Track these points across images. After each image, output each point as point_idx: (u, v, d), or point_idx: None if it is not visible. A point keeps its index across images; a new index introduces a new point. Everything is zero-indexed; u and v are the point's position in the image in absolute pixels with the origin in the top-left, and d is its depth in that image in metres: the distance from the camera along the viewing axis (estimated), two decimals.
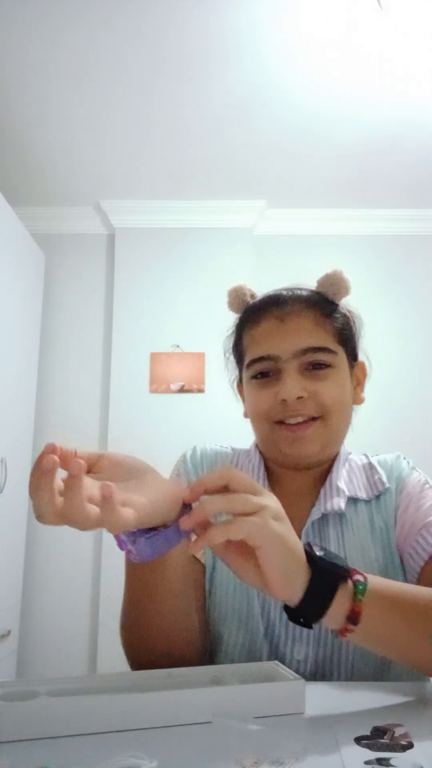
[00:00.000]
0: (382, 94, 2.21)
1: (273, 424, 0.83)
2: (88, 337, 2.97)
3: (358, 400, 0.92)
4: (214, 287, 0.90)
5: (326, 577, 0.59)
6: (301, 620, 0.60)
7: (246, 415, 0.93)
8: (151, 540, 0.57)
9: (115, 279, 2.94)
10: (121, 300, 2.90)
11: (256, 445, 0.93)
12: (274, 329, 0.85)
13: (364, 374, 0.96)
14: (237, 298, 0.93)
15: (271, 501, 0.59)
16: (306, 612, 0.59)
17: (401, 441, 2.81)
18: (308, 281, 0.95)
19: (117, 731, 0.52)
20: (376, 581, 0.62)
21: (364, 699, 0.63)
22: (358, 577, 0.60)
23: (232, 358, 0.97)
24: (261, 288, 0.95)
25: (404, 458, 0.95)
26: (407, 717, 0.56)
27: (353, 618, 0.59)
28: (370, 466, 0.92)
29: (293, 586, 0.58)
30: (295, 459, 0.83)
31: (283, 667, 0.63)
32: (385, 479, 0.89)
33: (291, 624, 0.78)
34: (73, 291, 3.01)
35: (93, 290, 3.01)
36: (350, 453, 0.94)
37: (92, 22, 1.89)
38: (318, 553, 0.61)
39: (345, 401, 0.86)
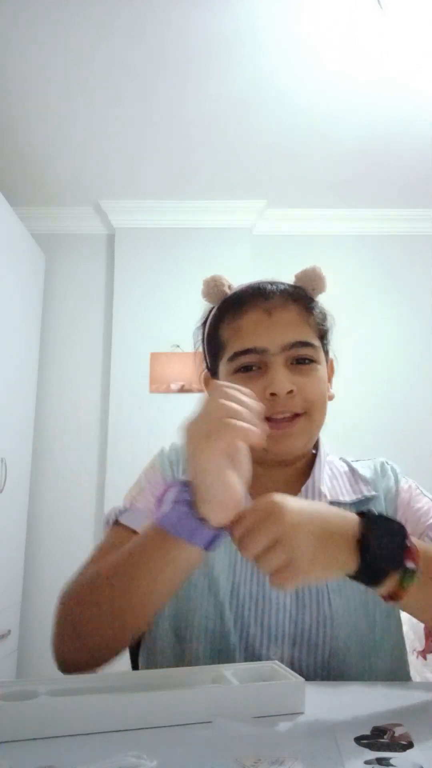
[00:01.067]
0: (381, 94, 2.21)
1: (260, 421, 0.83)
2: (88, 337, 2.97)
3: (330, 396, 0.92)
4: (271, 277, 0.90)
5: (373, 568, 0.60)
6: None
7: None
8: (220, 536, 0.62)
9: (115, 279, 2.94)
10: (121, 300, 2.90)
11: None
12: (261, 321, 0.83)
13: (333, 371, 0.97)
14: (215, 288, 0.91)
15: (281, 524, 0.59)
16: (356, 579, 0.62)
17: (400, 439, 2.81)
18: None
19: (117, 731, 0.52)
20: (427, 557, 0.63)
21: (364, 699, 0.63)
22: (410, 564, 0.60)
23: (201, 349, 0.95)
24: None
25: (389, 464, 0.96)
26: (407, 717, 0.56)
27: (393, 598, 0.61)
28: (353, 472, 0.92)
29: (338, 572, 0.61)
30: (279, 456, 0.83)
31: (283, 666, 0.63)
32: (370, 487, 0.89)
33: (265, 625, 0.77)
34: (73, 291, 3.01)
35: (93, 290, 3.01)
36: (328, 454, 0.94)
37: (92, 22, 1.89)
38: (372, 530, 0.61)
39: (325, 397, 0.87)
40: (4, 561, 2.37)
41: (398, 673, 0.81)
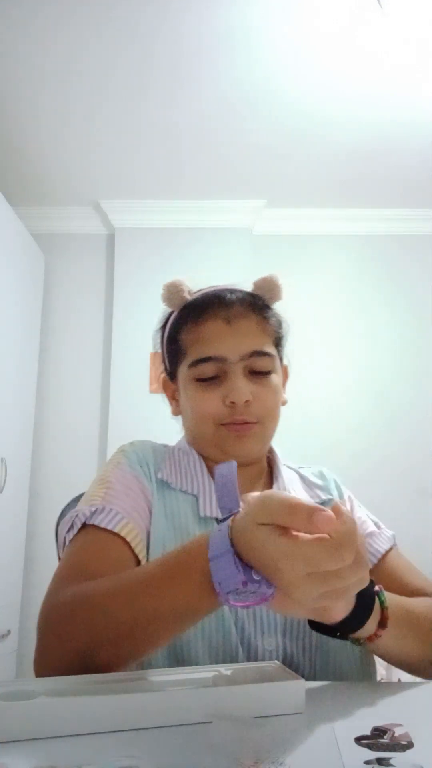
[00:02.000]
0: (380, 94, 2.21)
1: (218, 425, 0.85)
2: (87, 337, 2.96)
3: (283, 402, 0.94)
4: (230, 284, 0.91)
5: (367, 594, 0.63)
6: (337, 633, 0.63)
7: (176, 413, 0.94)
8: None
9: (115, 279, 2.93)
10: (121, 300, 2.90)
11: (189, 444, 0.93)
12: (221, 330, 0.85)
13: (286, 377, 0.99)
14: (175, 293, 0.92)
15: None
16: (347, 626, 0.62)
17: (400, 440, 2.81)
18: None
19: (116, 731, 0.52)
20: (393, 596, 0.69)
21: (364, 699, 0.63)
22: (378, 588, 0.66)
23: (159, 353, 0.97)
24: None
25: (330, 472, 1.00)
26: (407, 717, 0.56)
27: (383, 623, 0.64)
28: (302, 477, 0.96)
29: (345, 610, 0.60)
30: (238, 458, 0.83)
31: (283, 666, 0.63)
32: (323, 491, 0.94)
33: (258, 616, 0.78)
34: (73, 291, 3.01)
35: (93, 290, 3.01)
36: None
37: (91, 22, 1.89)
38: None
39: (278, 406, 0.90)
40: (4, 561, 2.37)
41: (367, 668, 0.83)
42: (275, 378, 0.88)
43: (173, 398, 0.95)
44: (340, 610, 0.59)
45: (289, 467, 0.98)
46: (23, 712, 0.51)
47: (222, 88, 2.19)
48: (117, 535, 0.75)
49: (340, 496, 0.96)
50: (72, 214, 3.03)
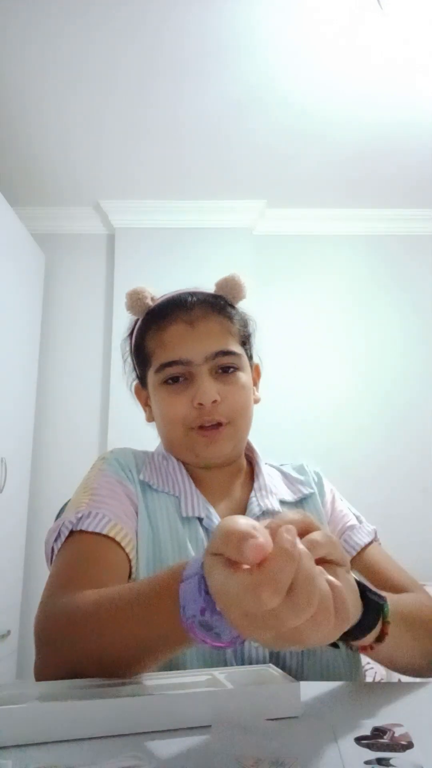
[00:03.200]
0: (381, 94, 2.21)
1: (188, 429, 0.85)
2: (88, 337, 2.96)
3: (255, 399, 0.95)
4: (193, 286, 0.91)
5: (374, 607, 0.58)
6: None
7: (149, 420, 0.95)
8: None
9: (115, 279, 2.93)
10: (121, 300, 2.88)
11: (167, 450, 0.93)
12: (184, 333, 0.86)
13: (259, 375, 0.99)
14: (138, 300, 0.95)
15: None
16: (348, 637, 0.58)
17: (405, 440, 2.81)
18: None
19: (113, 736, 0.51)
20: (392, 599, 0.63)
21: (364, 699, 0.63)
22: (384, 598, 0.60)
23: (129, 361, 0.99)
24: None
25: (310, 466, 1.01)
26: (407, 717, 0.56)
27: (381, 637, 0.60)
28: (283, 474, 0.97)
29: (355, 614, 0.56)
30: (208, 460, 0.86)
31: (277, 669, 0.63)
32: (305, 486, 0.94)
33: None
34: (73, 291, 3.01)
35: (93, 290, 3.01)
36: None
37: (92, 22, 1.89)
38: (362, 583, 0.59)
39: (249, 403, 0.90)
40: (4, 561, 2.37)
41: (355, 668, 0.83)
42: (243, 376, 0.88)
43: (146, 405, 0.97)
44: (327, 636, 0.43)
45: (270, 465, 0.99)
46: (14, 717, 0.50)
47: (223, 89, 2.19)
48: (106, 536, 0.75)
49: (321, 489, 0.96)
50: (72, 214, 3.03)
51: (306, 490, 0.93)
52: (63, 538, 0.76)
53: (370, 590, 0.59)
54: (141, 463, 0.91)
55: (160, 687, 0.60)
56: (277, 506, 0.88)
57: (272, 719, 0.54)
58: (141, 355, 0.93)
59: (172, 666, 0.75)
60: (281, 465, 1.00)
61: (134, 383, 1.00)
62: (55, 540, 0.77)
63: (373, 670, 1.44)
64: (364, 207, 2.99)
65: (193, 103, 2.27)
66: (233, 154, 2.58)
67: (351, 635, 0.58)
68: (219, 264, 2.80)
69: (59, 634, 0.64)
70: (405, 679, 0.79)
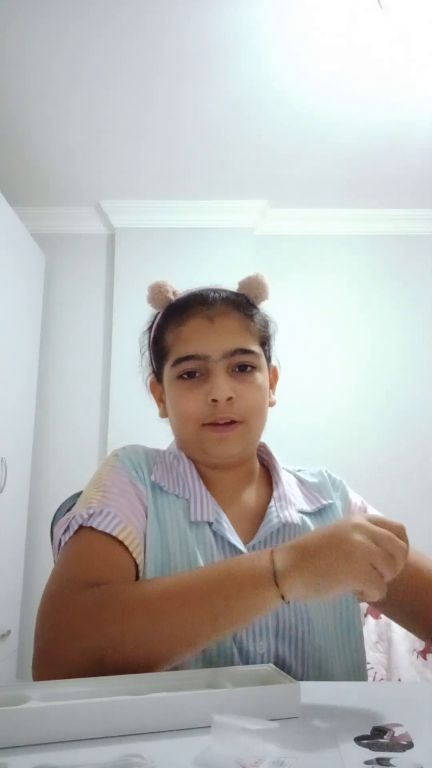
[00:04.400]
0: (382, 95, 2.21)
1: (200, 426, 0.84)
2: (88, 337, 2.96)
3: (271, 402, 0.93)
4: (215, 284, 0.91)
5: None
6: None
7: (163, 415, 0.93)
8: None
9: (115, 279, 2.93)
10: (121, 300, 2.90)
11: (179, 448, 0.92)
12: (203, 328, 0.85)
13: (276, 378, 0.97)
14: (159, 294, 0.93)
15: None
16: None
17: (406, 440, 2.81)
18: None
19: (114, 736, 0.51)
20: None
21: (364, 699, 0.63)
22: None
23: (146, 355, 0.97)
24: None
25: (332, 473, 0.98)
26: (407, 717, 0.56)
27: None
28: (302, 481, 0.94)
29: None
30: (219, 458, 0.85)
31: (277, 669, 0.63)
32: (324, 495, 0.92)
33: (249, 628, 0.78)
34: (73, 291, 3.01)
35: (93, 290, 3.01)
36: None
37: (93, 22, 1.89)
38: None
39: (264, 404, 0.88)
40: (5, 561, 2.37)
41: (360, 674, 0.83)
42: (260, 376, 0.87)
43: (160, 400, 0.94)
44: (376, 593, 0.61)
45: (287, 471, 0.96)
46: (13, 718, 0.50)
47: (224, 89, 2.19)
48: (115, 539, 0.75)
49: (345, 495, 0.94)
50: (73, 215, 3.03)
51: (325, 500, 0.90)
52: (72, 531, 0.76)
53: None
54: (152, 463, 0.90)
55: (160, 687, 0.60)
56: (296, 517, 0.85)
57: (272, 719, 0.54)
58: (159, 348, 0.91)
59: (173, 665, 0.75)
60: (298, 470, 0.97)
61: (149, 378, 0.97)
62: (64, 532, 0.78)
63: (373, 670, 1.44)
64: (365, 207, 2.99)
65: (194, 103, 2.27)
66: (234, 154, 2.58)
67: None
68: (220, 264, 2.81)
69: (83, 619, 0.65)
70: (405, 678, 0.79)
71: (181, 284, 0.99)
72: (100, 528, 0.75)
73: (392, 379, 2.88)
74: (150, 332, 0.96)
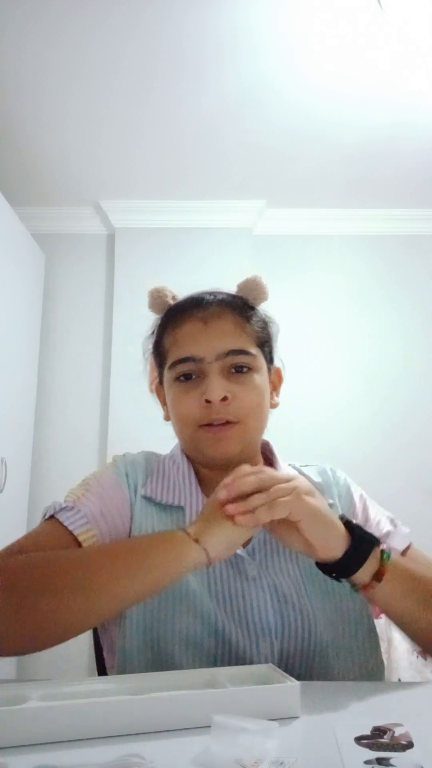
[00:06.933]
0: (382, 95, 2.21)
1: (197, 427, 0.84)
2: (88, 336, 2.96)
3: (273, 404, 0.93)
4: (214, 287, 0.91)
5: (364, 541, 0.72)
6: (334, 574, 0.72)
7: (167, 419, 0.93)
8: None
9: (115, 279, 2.93)
10: (121, 300, 2.90)
11: (182, 450, 0.93)
12: (197, 331, 0.86)
13: (280, 379, 0.97)
14: (158, 299, 0.94)
15: (299, 481, 0.72)
16: (343, 568, 0.71)
17: (404, 441, 2.81)
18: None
19: (114, 736, 0.51)
20: (396, 557, 0.75)
21: (364, 699, 0.63)
22: (384, 546, 0.73)
23: (150, 360, 0.98)
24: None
25: (336, 470, 0.98)
26: (407, 717, 0.56)
27: (378, 576, 0.71)
28: (305, 477, 0.93)
29: (334, 549, 0.71)
30: (216, 460, 0.85)
31: (277, 669, 0.63)
32: (326, 494, 0.91)
33: (250, 620, 0.78)
34: (73, 291, 3.01)
35: (93, 290, 3.01)
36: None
37: (92, 21, 1.89)
38: (354, 521, 0.75)
39: (263, 405, 0.88)
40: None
41: (374, 671, 0.82)
42: (257, 377, 0.87)
43: (164, 403, 0.95)
44: (325, 546, 0.70)
45: (294, 467, 0.96)
46: (12, 718, 0.50)
47: (223, 89, 2.19)
48: (75, 538, 0.78)
49: (349, 495, 0.94)
50: (72, 215, 3.03)
51: (327, 500, 0.89)
52: (46, 515, 0.82)
53: (361, 528, 0.74)
54: (149, 473, 0.91)
55: (160, 687, 0.60)
56: None
57: (272, 719, 0.55)
58: (159, 352, 0.93)
59: (171, 666, 0.75)
60: (304, 466, 0.98)
61: (155, 382, 0.98)
62: (44, 514, 0.83)
63: None
64: (364, 207, 2.98)
65: (193, 103, 2.27)
66: (233, 154, 2.58)
67: (347, 566, 0.71)
68: (219, 264, 2.81)
69: (13, 576, 0.68)
70: (405, 678, 0.79)
71: (180, 284, 0.99)
72: (66, 523, 0.79)
73: (391, 379, 2.88)
74: (153, 338, 0.97)
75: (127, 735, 0.51)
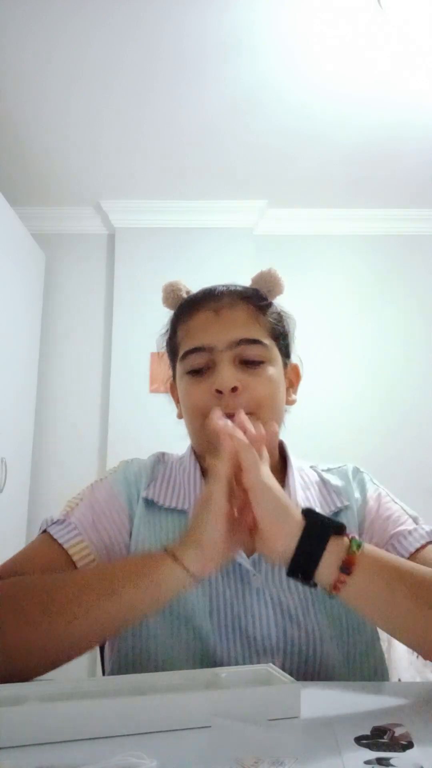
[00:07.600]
0: (382, 95, 2.20)
1: (207, 418, 0.80)
2: (88, 336, 2.96)
3: (290, 401, 0.91)
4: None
5: (319, 525, 0.66)
6: (300, 575, 0.65)
7: (180, 416, 0.91)
8: None
9: (115, 279, 2.93)
10: (121, 300, 2.90)
11: (192, 450, 0.91)
12: (209, 321, 0.85)
13: (298, 376, 0.96)
14: (172, 293, 0.93)
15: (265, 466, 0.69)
16: (302, 560, 0.64)
17: (405, 440, 2.81)
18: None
19: (114, 736, 0.51)
20: (372, 547, 0.68)
21: (364, 699, 0.63)
22: (354, 535, 0.67)
23: (166, 357, 0.96)
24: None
25: (360, 471, 0.95)
26: (407, 717, 0.56)
27: (346, 568, 0.63)
28: (324, 482, 0.91)
29: (286, 533, 0.65)
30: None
31: (277, 669, 0.63)
32: (342, 497, 0.88)
33: (251, 638, 0.75)
34: (73, 291, 3.01)
35: (93, 290, 3.01)
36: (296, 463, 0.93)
37: (92, 22, 1.89)
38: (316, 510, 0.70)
39: (277, 398, 0.85)
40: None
41: (357, 669, 0.80)
42: (271, 369, 0.84)
43: (178, 401, 0.93)
44: (276, 532, 0.65)
45: (314, 470, 0.93)
46: (11, 718, 0.50)
47: (224, 89, 2.19)
48: (66, 552, 0.77)
49: (363, 494, 0.89)
50: (72, 214, 3.03)
51: (341, 502, 0.87)
52: (40, 530, 0.82)
53: (319, 515, 0.68)
54: (154, 477, 0.89)
55: (160, 687, 0.60)
56: None
57: (272, 719, 0.54)
58: (172, 346, 0.91)
59: (170, 666, 0.74)
60: (326, 469, 0.94)
61: (169, 379, 0.96)
62: (40, 528, 0.83)
63: None
64: (365, 207, 2.98)
65: (193, 102, 2.27)
66: (233, 154, 2.58)
67: (306, 556, 0.64)
68: (219, 264, 2.81)
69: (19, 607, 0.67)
70: (405, 678, 0.79)
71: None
72: (56, 537, 0.78)
73: (392, 379, 2.88)
74: (167, 334, 0.95)
75: (127, 735, 0.51)
